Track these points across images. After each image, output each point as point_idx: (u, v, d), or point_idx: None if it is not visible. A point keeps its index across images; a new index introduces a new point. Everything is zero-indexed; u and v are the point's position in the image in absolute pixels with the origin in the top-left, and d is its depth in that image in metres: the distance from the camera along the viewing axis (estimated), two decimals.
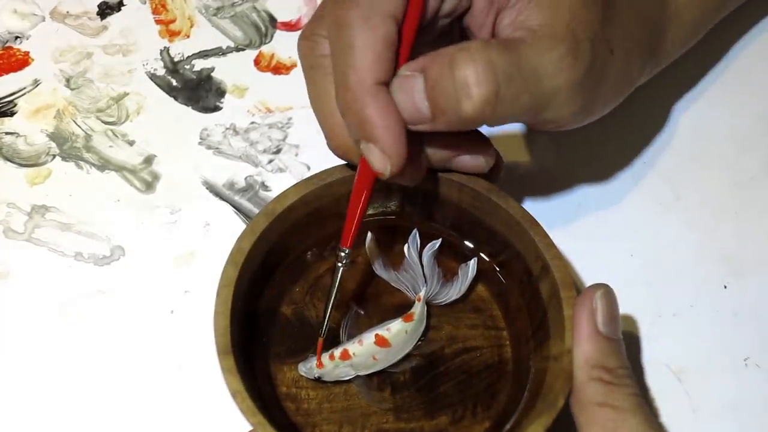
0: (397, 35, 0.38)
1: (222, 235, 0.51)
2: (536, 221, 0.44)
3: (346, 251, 0.43)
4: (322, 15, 0.41)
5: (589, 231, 0.52)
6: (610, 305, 0.41)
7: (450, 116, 0.38)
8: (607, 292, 0.41)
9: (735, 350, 0.49)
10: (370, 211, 0.48)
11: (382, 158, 0.38)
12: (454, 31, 0.45)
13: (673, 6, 0.48)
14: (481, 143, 0.44)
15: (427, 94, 0.38)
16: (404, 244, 0.45)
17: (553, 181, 0.54)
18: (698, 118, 0.57)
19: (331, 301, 0.43)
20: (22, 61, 0.59)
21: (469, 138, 0.44)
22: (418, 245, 0.45)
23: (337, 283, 0.43)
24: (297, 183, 0.45)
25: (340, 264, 0.43)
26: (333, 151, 0.43)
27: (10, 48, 0.59)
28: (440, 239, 0.46)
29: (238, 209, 0.53)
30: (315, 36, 0.41)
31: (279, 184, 0.54)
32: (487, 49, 0.38)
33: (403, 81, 0.38)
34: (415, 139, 0.40)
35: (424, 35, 0.42)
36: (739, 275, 0.51)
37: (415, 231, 0.45)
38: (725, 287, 0.51)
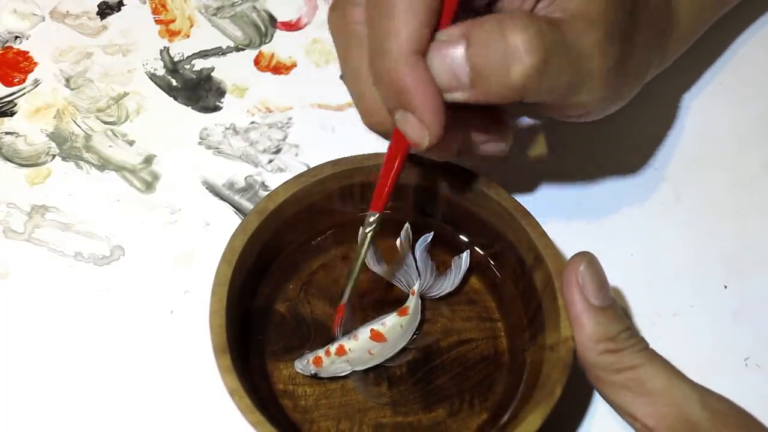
0: (439, 3, 0.38)
1: (222, 235, 0.51)
2: (528, 212, 0.46)
3: (376, 215, 0.43)
4: None
5: (588, 230, 0.54)
6: (595, 274, 0.43)
7: (493, 83, 0.38)
8: (589, 261, 0.43)
9: (735, 350, 0.51)
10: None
11: (420, 128, 0.38)
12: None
13: (677, 5, 0.50)
14: (503, 127, 0.45)
15: (470, 60, 0.37)
16: (397, 239, 0.47)
17: (553, 180, 0.56)
18: (698, 119, 0.58)
19: (357, 266, 0.44)
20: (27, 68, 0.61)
21: (492, 119, 0.44)
22: (411, 239, 0.47)
23: (365, 249, 0.44)
24: (288, 180, 0.47)
25: (368, 230, 0.43)
26: (370, 128, 0.43)
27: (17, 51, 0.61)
28: (433, 232, 0.47)
29: (238, 209, 0.55)
30: (347, 5, 0.41)
31: (279, 184, 0.53)
32: (536, 19, 0.38)
33: (442, 46, 0.38)
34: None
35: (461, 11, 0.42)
36: (739, 275, 0.53)
37: (407, 225, 0.47)
38: (725, 287, 0.52)
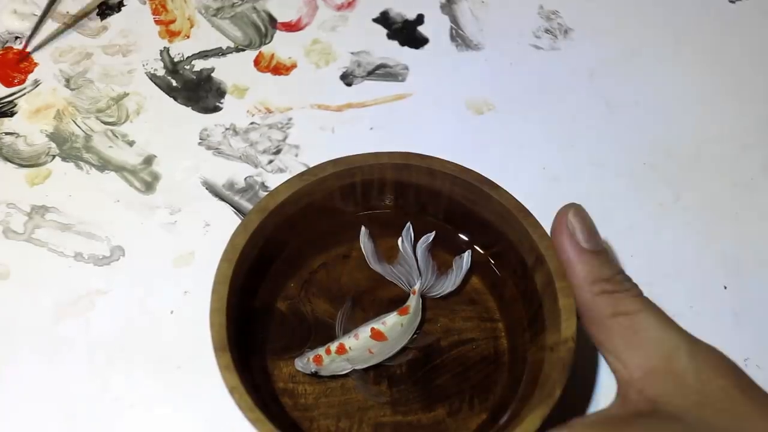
0: None
1: (222, 235, 0.50)
2: (529, 212, 0.46)
3: None
4: None
5: None
6: (585, 220, 0.43)
7: None
8: (578, 209, 0.43)
9: (735, 350, 0.49)
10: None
11: None
12: None
13: None
14: None
15: None
16: (398, 238, 0.47)
17: (552, 180, 0.56)
18: (698, 119, 0.59)
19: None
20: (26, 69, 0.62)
21: None
22: (412, 238, 0.47)
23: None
24: (289, 179, 0.47)
25: None
26: None
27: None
28: (434, 232, 0.48)
29: (238, 209, 0.56)
30: None
31: (278, 184, 0.55)
32: None
33: None
34: None
35: None
36: (739, 276, 0.53)
37: (408, 224, 0.47)
38: (725, 288, 0.53)
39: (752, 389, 0.41)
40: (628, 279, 0.44)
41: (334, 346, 0.46)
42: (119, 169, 0.57)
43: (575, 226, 0.43)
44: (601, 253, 0.43)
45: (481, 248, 0.50)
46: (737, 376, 0.42)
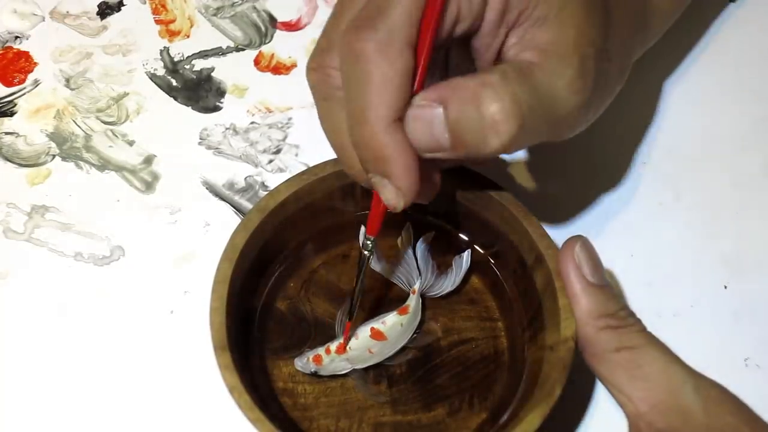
0: (414, 66, 0.38)
1: (222, 235, 0.50)
2: (529, 212, 0.46)
3: (372, 239, 0.44)
4: (331, 46, 0.42)
5: (588, 231, 0.53)
6: (591, 255, 0.44)
7: (472, 148, 0.39)
8: (584, 243, 0.44)
9: (735, 350, 0.51)
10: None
11: (396, 194, 0.39)
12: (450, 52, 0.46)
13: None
14: None
15: (449, 126, 0.38)
16: (398, 237, 0.48)
17: (552, 181, 0.56)
18: (698, 118, 0.59)
19: (358, 285, 0.45)
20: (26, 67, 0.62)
21: None
22: (412, 238, 0.48)
23: (363, 271, 0.45)
24: (289, 178, 0.47)
25: (366, 252, 0.45)
26: (352, 178, 0.44)
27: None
28: (434, 232, 0.48)
29: (238, 209, 0.56)
30: (325, 68, 0.42)
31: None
32: (508, 83, 0.38)
33: (420, 111, 0.39)
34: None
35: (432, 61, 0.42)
36: (739, 275, 0.54)
37: (408, 224, 0.48)
38: (725, 287, 0.53)
39: (761, 426, 0.42)
40: (632, 314, 0.44)
41: (333, 346, 0.46)
42: (119, 168, 0.58)
43: (582, 259, 0.44)
44: (606, 287, 0.44)
45: (480, 248, 0.50)
46: (745, 413, 0.42)
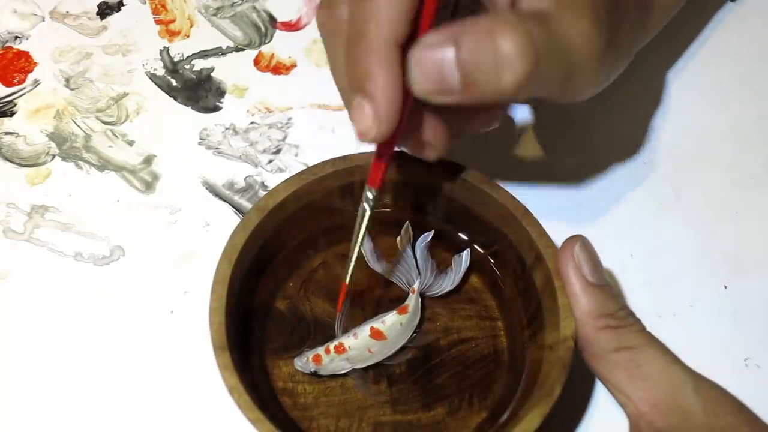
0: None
1: (222, 235, 0.50)
2: (528, 211, 0.47)
3: (374, 191, 0.43)
4: None
5: (588, 230, 0.52)
6: (590, 254, 0.44)
7: (484, 89, 0.37)
8: (584, 242, 0.44)
9: (735, 350, 0.52)
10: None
11: (371, 119, 0.38)
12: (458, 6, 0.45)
13: None
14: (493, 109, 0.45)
15: (460, 65, 0.37)
16: (397, 237, 0.48)
17: (553, 180, 0.57)
18: (698, 118, 0.59)
19: (357, 246, 0.44)
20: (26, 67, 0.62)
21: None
22: (411, 237, 0.48)
23: (363, 228, 0.44)
24: (288, 178, 0.48)
25: (366, 205, 0.43)
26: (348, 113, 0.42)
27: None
28: (433, 231, 0.48)
29: (238, 209, 0.56)
30: (333, 2, 0.41)
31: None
32: (524, 21, 0.37)
33: (430, 50, 0.37)
34: (434, 108, 0.41)
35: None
36: (739, 275, 0.54)
37: (407, 223, 0.48)
38: (725, 287, 0.53)
39: (760, 427, 0.42)
40: (632, 314, 0.44)
41: (333, 346, 0.47)
42: (119, 168, 0.58)
43: (581, 259, 0.44)
44: (605, 287, 0.44)
45: (480, 247, 0.50)
46: (745, 414, 0.43)
